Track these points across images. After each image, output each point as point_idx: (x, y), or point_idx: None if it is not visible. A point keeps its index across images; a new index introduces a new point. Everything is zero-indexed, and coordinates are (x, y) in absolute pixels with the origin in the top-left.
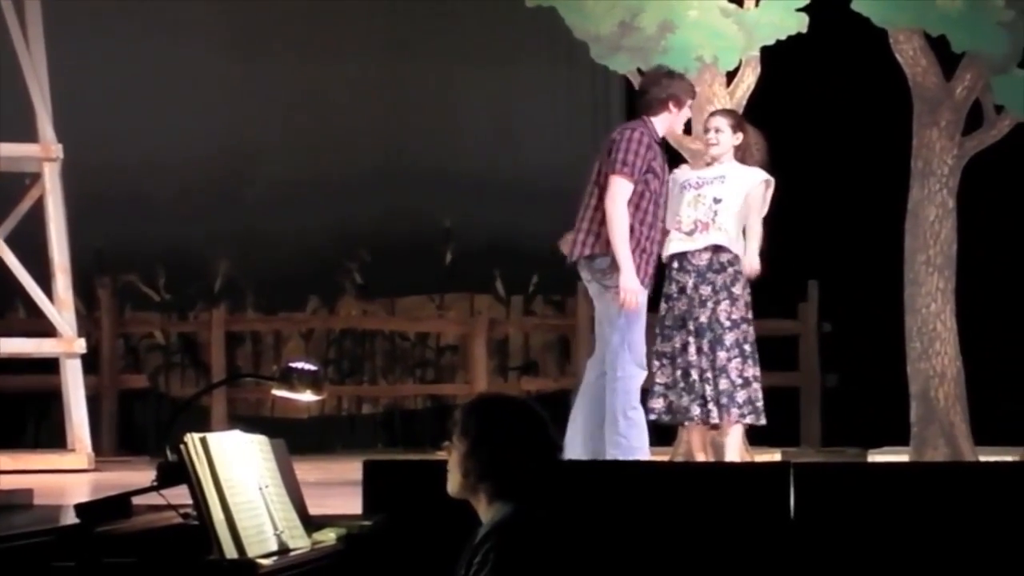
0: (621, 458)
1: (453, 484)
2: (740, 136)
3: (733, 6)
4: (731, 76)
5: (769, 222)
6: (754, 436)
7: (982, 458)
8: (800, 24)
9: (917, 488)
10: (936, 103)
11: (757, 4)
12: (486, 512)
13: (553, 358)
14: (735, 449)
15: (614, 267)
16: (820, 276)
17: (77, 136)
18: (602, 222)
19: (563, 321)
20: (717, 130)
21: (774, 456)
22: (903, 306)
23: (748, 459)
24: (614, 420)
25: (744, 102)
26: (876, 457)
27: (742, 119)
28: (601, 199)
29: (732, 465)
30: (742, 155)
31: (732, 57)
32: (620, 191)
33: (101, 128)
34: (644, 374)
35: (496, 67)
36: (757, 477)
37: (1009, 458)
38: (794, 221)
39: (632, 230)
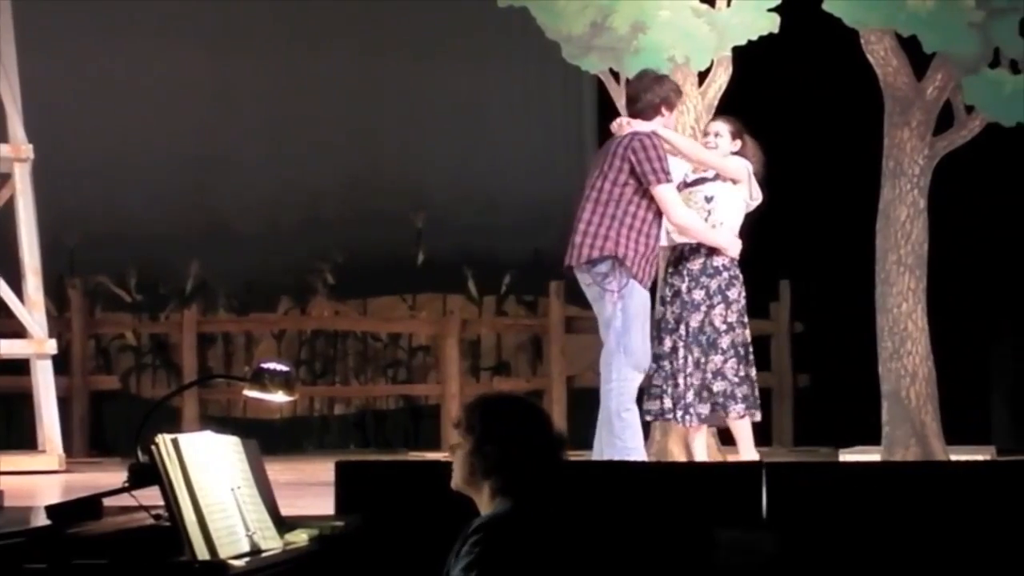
0: (616, 459)
1: (457, 479)
2: (739, 143)
3: (705, 6)
4: (703, 76)
5: (742, 221)
6: (726, 436)
7: (953, 457)
8: (771, 24)
9: (889, 488)
10: (907, 103)
11: (729, 4)
12: (487, 507)
13: (525, 358)
14: (746, 444)
15: (614, 271)
16: (792, 276)
17: (48, 136)
18: (600, 226)
19: (535, 321)
20: (717, 134)
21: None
22: (874, 306)
23: (720, 459)
24: (609, 422)
25: (716, 102)
26: (848, 456)
27: (742, 128)
28: (598, 202)
29: (705, 464)
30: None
31: (704, 57)
32: (672, 198)
33: (72, 129)
34: (640, 376)
35: (467, 67)
36: (730, 476)
37: (980, 457)
38: (766, 221)
39: (640, 232)
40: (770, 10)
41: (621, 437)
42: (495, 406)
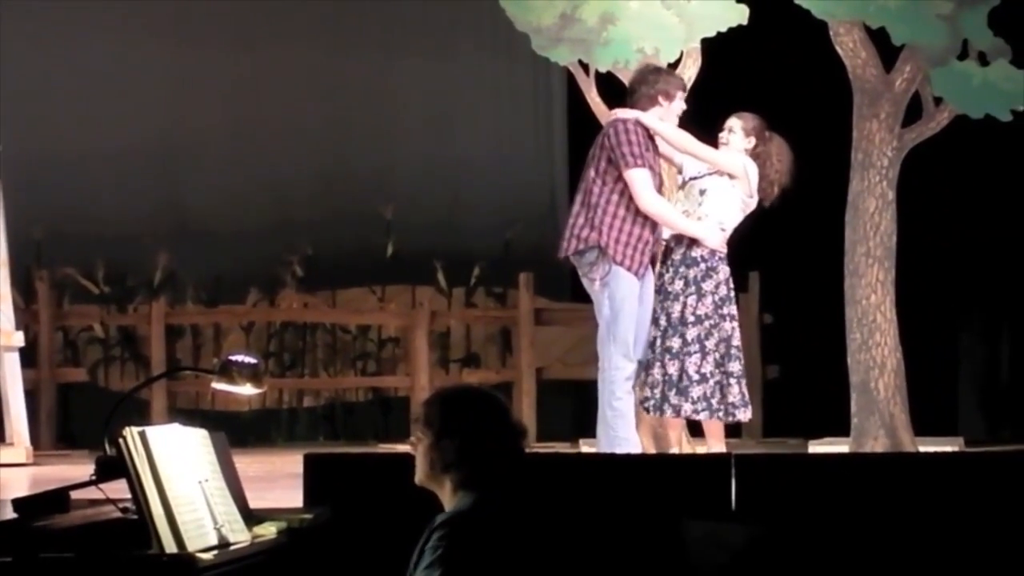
0: (607, 448)
1: (420, 474)
2: (753, 141)
3: None
4: (672, 68)
5: (740, 219)
6: (695, 428)
7: (922, 449)
8: (740, 16)
9: (857, 479)
10: (876, 95)
11: None
12: (450, 502)
13: (495, 350)
14: (716, 439)
15: (599, 259)
16: (761, 267)
17: (16, 127)
18: (583, 216)
19: (505, 313)
20: (730, 130)
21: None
22: (843, 297)
23: (690, 450)
24: (602, 411)
25: (685, 93)
26: (817, 448)
27: (763, 127)
28: (584, 192)
29: (674, 456)
30: (762, 163)
31: (673, 49)
32: (642, 182)
33: (40, 120)
34: (632, 365)
35: (437, 58)
36: (699, 468)
37: (948, 448)
38: None
39: (623, 219)
40: (739, 1)
41: (613, 427)
42: (453, 400)
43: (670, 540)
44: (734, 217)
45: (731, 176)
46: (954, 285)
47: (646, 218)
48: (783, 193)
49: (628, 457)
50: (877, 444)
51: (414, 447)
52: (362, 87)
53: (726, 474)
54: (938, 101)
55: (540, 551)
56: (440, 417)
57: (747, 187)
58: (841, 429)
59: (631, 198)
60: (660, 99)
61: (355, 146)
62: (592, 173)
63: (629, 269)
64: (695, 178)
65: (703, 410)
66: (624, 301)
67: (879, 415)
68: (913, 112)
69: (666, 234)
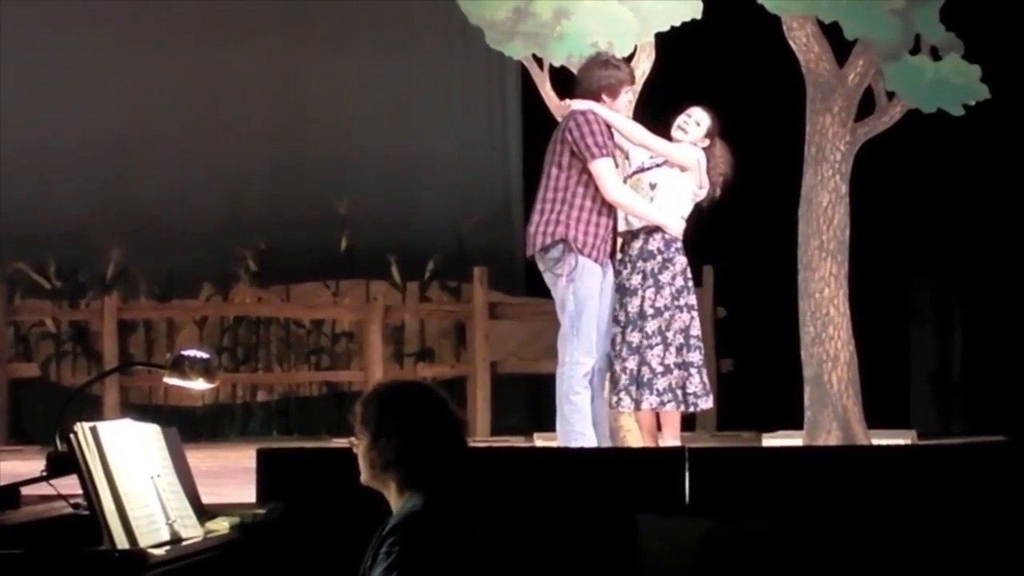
0: (564, 442)
1: (363, 475)
2: (707, 141)
3: None
4: (626, 62)
5: (691, 210)
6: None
7: (875, 441)
8: (694, 11)
9: (811, 472)
10: (829, 89)
11: None
12: (396, 501)
13: (449, 344)
14: (672, 431)
15: (565, 255)
16: (715, 261)
17: None
18: (552, 212)
19: (459, 307)
20: (696, 123)
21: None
22: (797, 291)
23: (652, 444)
24: (559, 405)
25: (639, 88)
26: (770, 441)
27: (717, 131)
28: (547, 189)
29: (627, 450)
30: (708, 164)
31: (627, 43)
32: (608, 173)
33: None
34: (592, 361)
35: (391, 52)
36: (653, 462)
37: (901, 441)
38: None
39: (590, 211)
40: None
41: (570, 421)
42: (387, 398)
43: (624, 534)
44: (687, 208)
45: (682, 169)
46: (906, 279)
47: (610, 208)
48: (722, 195)
49: (582, 451)
50: (830, 437)
51: (355, 447)
52: (316, 83)
53: (680, 468)
54: (891, 95)
55: (493, 548)
56: (376, 417)
57: (698, 178)
58: (795, 422)
59: (596, 189)
60: (603, 95)
61: (309, 141)
62: (555, 170)
63: (596, 260)
64: (643, 170)
65: (669, 401)
66: (588, 297)
67: (832, 408)
68: (866, 106)
69: (620, 227)
